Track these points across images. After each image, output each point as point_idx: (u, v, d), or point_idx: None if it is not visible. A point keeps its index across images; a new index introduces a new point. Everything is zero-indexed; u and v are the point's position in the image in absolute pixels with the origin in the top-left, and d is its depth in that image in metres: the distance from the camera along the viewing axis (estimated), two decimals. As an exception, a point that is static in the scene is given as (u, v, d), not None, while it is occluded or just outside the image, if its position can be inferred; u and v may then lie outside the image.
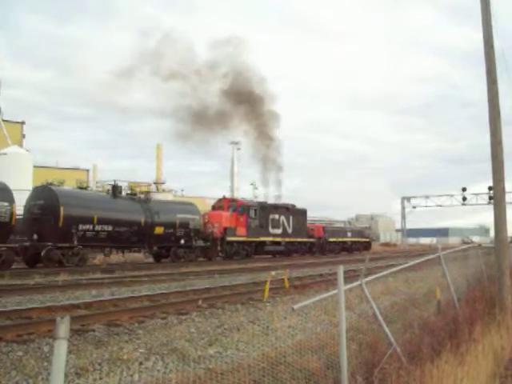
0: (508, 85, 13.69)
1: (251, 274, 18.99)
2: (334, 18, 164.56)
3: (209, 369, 5.42)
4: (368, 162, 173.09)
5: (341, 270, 4.69)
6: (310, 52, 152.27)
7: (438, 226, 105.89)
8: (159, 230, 26.42)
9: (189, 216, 28.51)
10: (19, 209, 21.33)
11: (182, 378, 4.81)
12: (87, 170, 62.06)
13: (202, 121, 40.28)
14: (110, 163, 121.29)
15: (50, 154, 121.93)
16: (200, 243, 28.94)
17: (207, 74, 41.33)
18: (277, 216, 35.73)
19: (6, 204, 19.59)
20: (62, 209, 21.61)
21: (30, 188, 27.12)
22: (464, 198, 62.36)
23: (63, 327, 2.28)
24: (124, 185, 27.75)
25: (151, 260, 28.37)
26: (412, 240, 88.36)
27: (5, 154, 36.27)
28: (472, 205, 62.95)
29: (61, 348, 2.27)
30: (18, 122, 52.19)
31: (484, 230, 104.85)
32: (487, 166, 9.04)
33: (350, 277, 7.93)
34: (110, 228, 23.71)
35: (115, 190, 25.71)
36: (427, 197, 67.75)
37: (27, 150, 41.04)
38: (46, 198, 22.06)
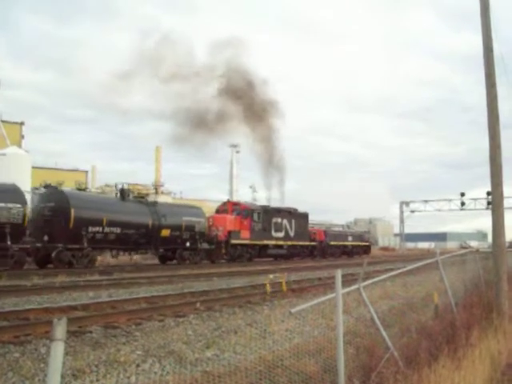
0: (507, 88, 13.76)
1: (249, 277, 18.98)
2: (334, 19, 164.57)
3: (206, 371, 5.42)
4: (367, 165, 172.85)
5: (339, 273, 4.71)
6: (309, 52, 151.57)
7: (436, 230, 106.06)
8: (166, 233, 26.64)
9: (194, 219, 28.73)
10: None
11: (179, 381, 4.81)
12: (86, 172, 62.13)
13: (201, 123, 40.43)
14: (110, 165, 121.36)
15: (51, 155, 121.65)
16: (205, 246, 29.22)
17: (207, 75, 41.45)
18: (279, 220, 35.92)
19: (19, 206, 19.84)
20: (72, 211, 21.81)
21: (29, 189, 27.12)
22: (462, 203, 62.60)
23: (60, 329, 2.29)
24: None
25: (156, 261, 28.64)
26: (410, 244, 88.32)
27: (3, 154, 36.16)
28: (470, 210, 63.24)
29: (57, 349, 2.27)
30: (17, 123, 52.19)
31: (482, 235, 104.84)
32: (486, 171, 9.07)
33: (348, 280, 7.93)
34: (118, 230, 23.89)
35: (124, 193, 26.05)
36: (426, 201, 67.92)
37: (26, 151, 40.98)
38: (56, 200, 22.24)
